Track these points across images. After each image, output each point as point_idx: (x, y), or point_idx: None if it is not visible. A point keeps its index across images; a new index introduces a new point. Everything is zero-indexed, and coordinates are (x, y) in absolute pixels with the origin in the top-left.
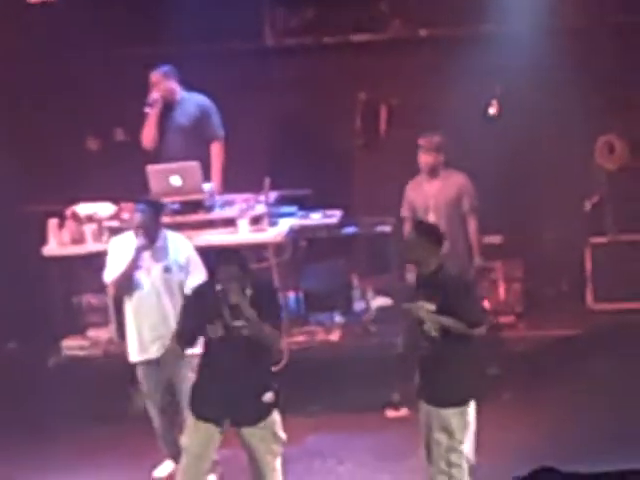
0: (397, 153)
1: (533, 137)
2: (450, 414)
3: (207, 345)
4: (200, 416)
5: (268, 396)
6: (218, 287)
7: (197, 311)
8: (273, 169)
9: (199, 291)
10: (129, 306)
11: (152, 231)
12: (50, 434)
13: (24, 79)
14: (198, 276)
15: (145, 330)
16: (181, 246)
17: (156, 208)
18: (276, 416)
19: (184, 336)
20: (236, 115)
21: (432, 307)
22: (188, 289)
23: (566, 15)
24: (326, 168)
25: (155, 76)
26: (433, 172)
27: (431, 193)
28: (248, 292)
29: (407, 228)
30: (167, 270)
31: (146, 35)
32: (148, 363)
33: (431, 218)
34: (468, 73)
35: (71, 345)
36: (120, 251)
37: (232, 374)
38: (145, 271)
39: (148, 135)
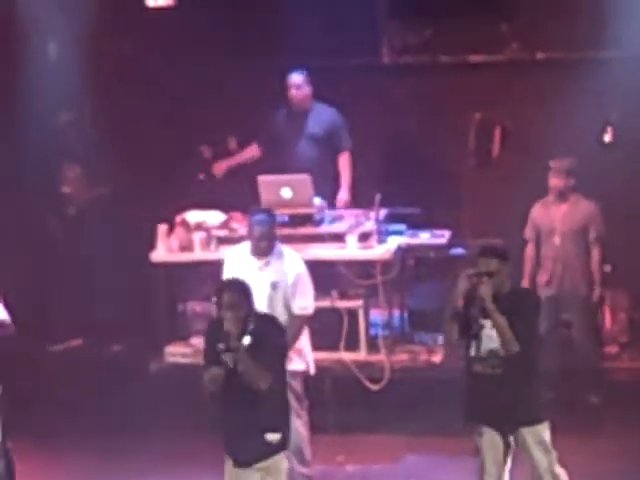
0: (509, 176)
1: None
2: (542, 429)
3: None
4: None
5: (272, 436)
6: (218, 315)
7: (206, 347)
8: (384, 186)
9: (210, 326)
10: None
11: (269, 243)
12: (145, 438)
13: (139, 86)
14: (306, 297)
15: None
16: (293, 263)
17: (274, 218)
18: (282, 461)
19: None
20: (350, 130)
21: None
22: (295, 309)
23: None
24: (437, 187)
25: (299, 79)
26: (562, 195)
27: (558, 216)
28: (250, 326)
29: (530, 250)
30: (274, 287)
31: (263, 48)
32: None
33: (556, 241)
34: (584, 98)
35: (174, 352)
36: (234, 267)
37: (234, 410)
38: (253, 283)
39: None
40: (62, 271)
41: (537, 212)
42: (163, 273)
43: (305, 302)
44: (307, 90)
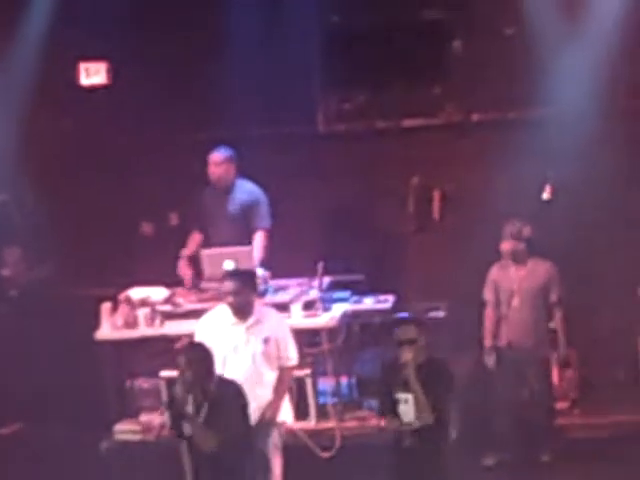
0: (450, 238)
1: (587, 222)
2: None
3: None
4: None
5: None
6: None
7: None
8: (326, 254)
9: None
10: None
11: (246, 300)
12: None
13: (75, 162)
14: (294, 348)
15: None
16: (278, 318)
17: (249, 277)
18: None
19: None
20: (289, 199)
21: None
22: (287, 361)
23: (618, 97)
24: (379, 253)
25: (218, 157)
26: (517, 258)
27: (517, 279)
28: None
29: (489, 312)
30: (266, 342)
31: (199, 120)
32: None
33: (515, 303)
34: (521, 157)
35: (123, 429)
36: (214, 331)
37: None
38: (244, 344)
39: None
40: (6, 354)
41: (496, 274)
42: (109, 351)
43: (294, 353)
44: (226, 168)
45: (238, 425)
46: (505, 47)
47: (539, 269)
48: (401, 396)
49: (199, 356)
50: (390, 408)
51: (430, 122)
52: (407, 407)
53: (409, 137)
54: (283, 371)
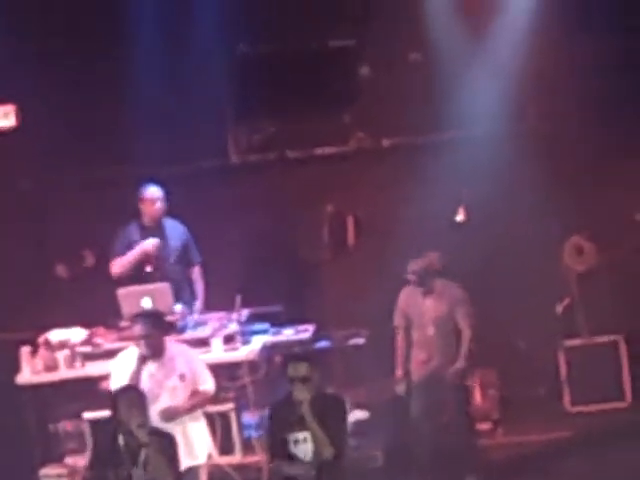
0: (366, 264)
1: (502, 242)
2: None
3: None
4: None
5: None
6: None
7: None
8: (244, 286)
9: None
10: None
11: (157, 341)
12: None
13: None
14: (209, 379)
15: None
16: (189, 354)
17: (158, 318)
18: None
19: None
20: (204, 233)
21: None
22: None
23: (530, 119)
24: (296, 283)
25: (157, 193)
26: (424, 286)
27: (426, 308)
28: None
29: (401, 338)
30: (182, 378)
31: (111, 158)
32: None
33: (430, 331)
34: (434, 180)
35: (49, 474)
36: (124, 365)
37: None
38: (161, 382)
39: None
40: None
41: (404, 300)
42: (30, 395)
43: (211, 382)
44: (162, 204)
45: (174, 473)
46: (412, 72)
47: (447, 294)
48: (299, 435)
49: (136, 400)
50: (281, 449)
51: (341, 149)
52: (306, 446)
53: (321, 165)
54: (197, 392)
